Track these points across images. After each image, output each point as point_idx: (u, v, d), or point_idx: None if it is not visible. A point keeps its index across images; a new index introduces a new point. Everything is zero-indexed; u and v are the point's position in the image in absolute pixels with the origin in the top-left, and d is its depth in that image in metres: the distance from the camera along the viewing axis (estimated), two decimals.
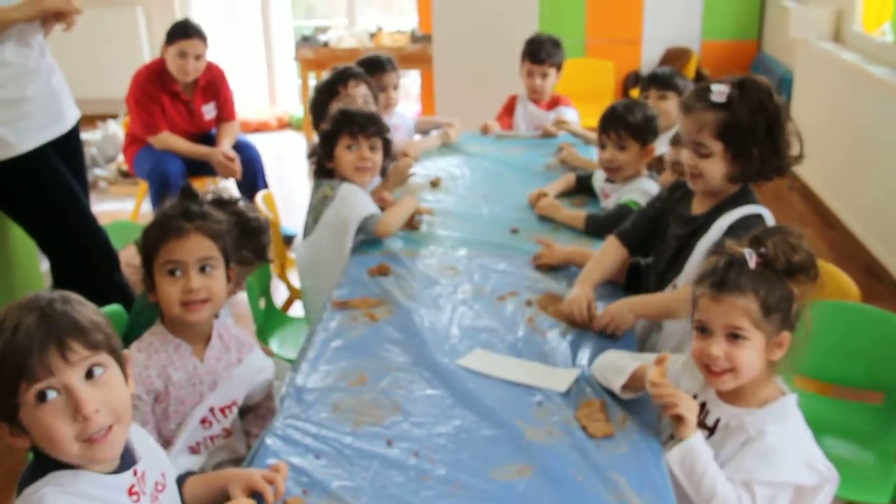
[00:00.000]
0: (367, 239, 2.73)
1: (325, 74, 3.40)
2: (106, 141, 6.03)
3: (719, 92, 2.05)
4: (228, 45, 7.11)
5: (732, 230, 2.04)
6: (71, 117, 2.97)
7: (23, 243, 3.17)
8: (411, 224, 2.84)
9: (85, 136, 5.71)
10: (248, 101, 7.31)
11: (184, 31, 4.24)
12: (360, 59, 3.67)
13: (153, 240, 1.88)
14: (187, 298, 1.85)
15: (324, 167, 2.83)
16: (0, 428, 1.32)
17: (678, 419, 1.65)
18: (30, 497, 1.30)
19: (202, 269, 1.87)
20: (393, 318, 2.23)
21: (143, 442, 1.50)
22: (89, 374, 1.31)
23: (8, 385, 1.27)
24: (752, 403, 1.71)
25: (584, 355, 2.04)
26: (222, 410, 1.93)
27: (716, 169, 2.10)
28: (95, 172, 5.78)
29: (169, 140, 4.33)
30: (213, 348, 1.94)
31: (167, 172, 4.24)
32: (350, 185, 2.74)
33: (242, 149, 4.53)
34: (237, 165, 4.37)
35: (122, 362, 1.39)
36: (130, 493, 1.39)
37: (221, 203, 2.20)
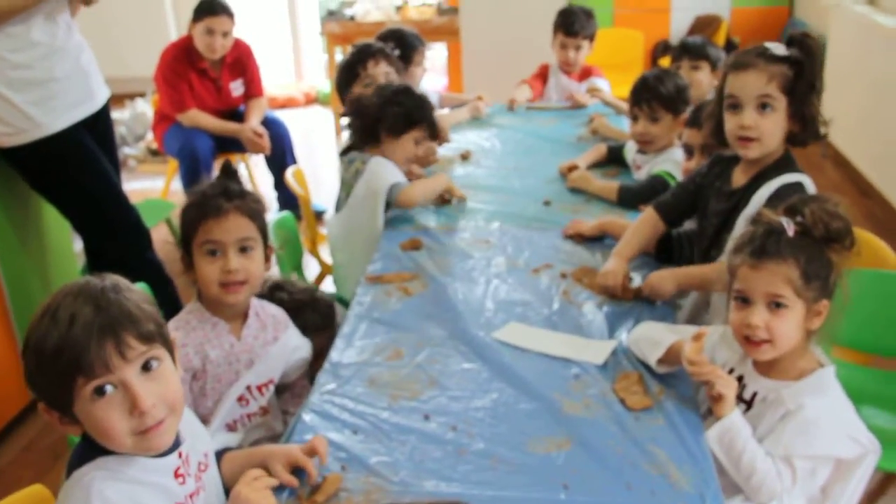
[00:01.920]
0: (399, 214, 2.72)
1: (350, 49, 3.37)
2: (135, 119, 6.06)
3: (778, 47, 2.00)
4: (254, 21, 7.09)
5: (773, 200, 1.97)
6: (101, 96, 2.97)
7: (56, 223, 3.19)
8: (443, 200, 2.82)
9: (114, 114, 5.64)
10: (275, 77, 7.30)
11: (211, 9, 4.24)
12: (384, 32, 3.63)
13: (192, 219, 1.88)
14: (226, 279, 1.85)
15: (367, 137, 2.79)
16: (51, 416, 1.32)
17: (717, 397, 1.63)
18: (79, 481, 1.31)
19: (241, 250, 1.88)
20: (427, 292, 2.23)
21: (188, 423, 1.50)
22: (145, 367, 1.31)
23: (64, 378, 1.26)
24: (789, 376, 1.68)
25: (620, 328, 2.02)
26: (259, 388, 1.94)
27: (778, 127, 2.02)
28: (125, 151, 5.82)
29: (197, 117, 4.34)
30: (250, 327, 1.95)
31: (196, 150, 4.26)
32: (380, 158, 2.72)
33: (271, 125, 4.53)
34: (266, 141, 4.38)
35: (171, 349, 1.39)
36: (176, 475, 1.39)
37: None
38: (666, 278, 2.14)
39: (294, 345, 2.04)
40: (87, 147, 2.85)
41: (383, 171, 2.68)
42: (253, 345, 1.94)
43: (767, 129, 2.03)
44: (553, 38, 3.97)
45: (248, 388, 1.92)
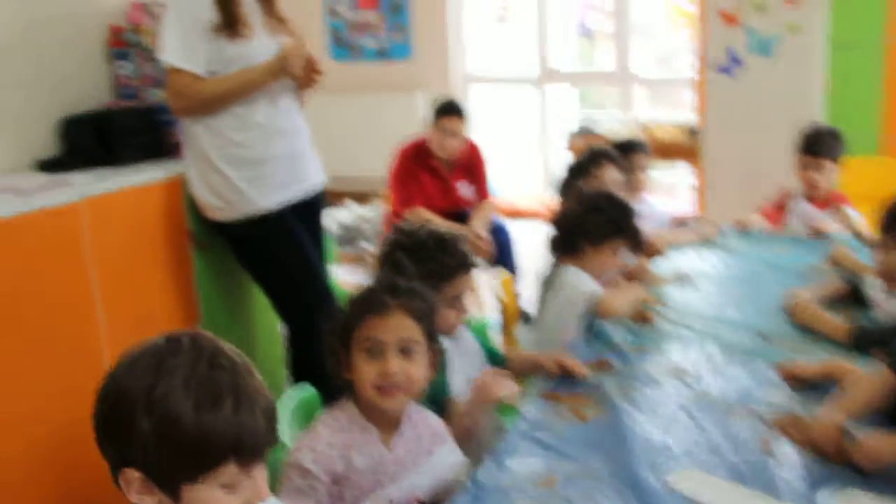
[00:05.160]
0: (591, 330, 2.51)
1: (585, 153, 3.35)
2: (378, 217, 6.26)
3: None
4: (508, 133, 7.21)
5: None
6: (314, 180, 3.03)
7: (265, 302, 3.25)
8: (643, 317, 2.59)
9: (361, 210, 5.99)
10: (524, 188, 7.35)
11: (446, 109, 4.37)
12: (615, 142, 3.59)
13: (355, 313, 1.80)
14: (383, 382, 1.74)
15: (565, 247, 2.66)
16: (128, 481, 1.22)
17: None
18: None
19: (402, 352, 1.76)
20: (602, 418, 1.99)
21: None
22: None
23: (208, 460, 1.20)
24: None
25: (823, 493, 1.67)
26: None
27: None
28: (362, 246, 6.00)
29: (424, 215, 4.37)
30: (403, 436, 1.80)
31: None
32: (575, 269, 2.57)
33: (496, 232, 4.49)
34: (487, 246, 4.32)
35: None
36: None
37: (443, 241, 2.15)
38: (889, 444, 1.76)
39: (450, 462, 1.86)
40: (291, 228, 2.90)
41: (579, 282, 2.53)
42: (404, 458, 1.78)
43: None
44: (795, 159, 3.65)
45: (390, 503, 1.76)
